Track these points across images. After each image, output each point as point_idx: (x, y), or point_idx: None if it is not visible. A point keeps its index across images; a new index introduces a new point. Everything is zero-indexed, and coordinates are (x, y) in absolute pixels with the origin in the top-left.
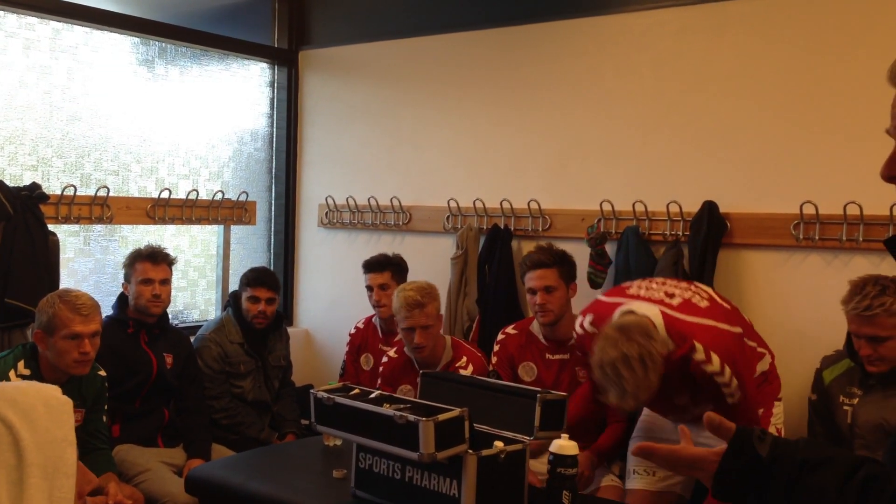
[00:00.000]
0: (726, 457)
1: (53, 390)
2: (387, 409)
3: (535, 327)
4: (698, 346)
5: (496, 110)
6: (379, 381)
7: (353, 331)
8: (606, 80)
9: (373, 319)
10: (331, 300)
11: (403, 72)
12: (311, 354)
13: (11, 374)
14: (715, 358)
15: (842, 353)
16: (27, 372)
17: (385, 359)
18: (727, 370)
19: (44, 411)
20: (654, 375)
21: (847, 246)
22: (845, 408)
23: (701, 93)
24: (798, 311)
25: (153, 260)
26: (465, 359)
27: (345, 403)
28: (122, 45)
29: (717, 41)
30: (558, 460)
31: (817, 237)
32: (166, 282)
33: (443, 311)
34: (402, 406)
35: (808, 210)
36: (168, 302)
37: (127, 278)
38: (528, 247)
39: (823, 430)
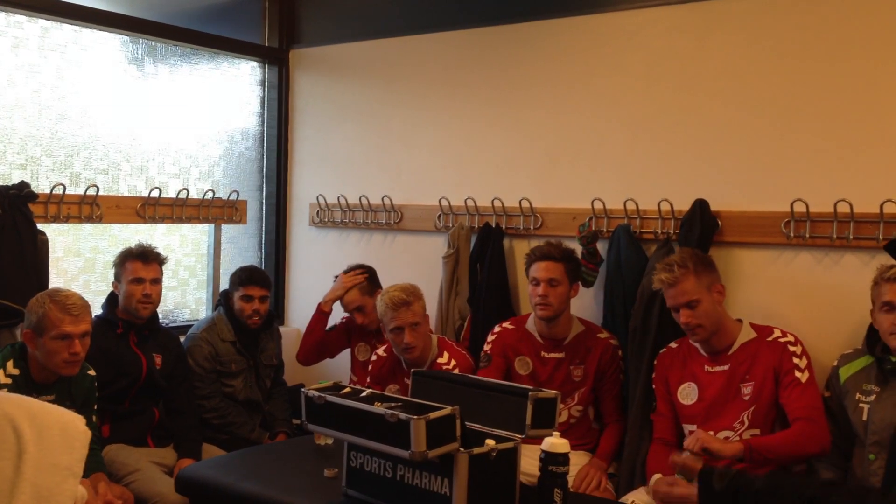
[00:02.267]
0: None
1: (76, 418)
2: (378, 408)
3: (531, 325)
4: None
5: (487, 109)
6: (368, 380)
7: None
8: (597, 78)
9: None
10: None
11: (394, 71)
12: None
13: (0, 373)
14: (791, 336)
15: (860, 350)
16: (16, 372)
17: (374, 357)
18: (801, 347)
19: (58, 434)
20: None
21: (837, 244)
22: (861, 405)
23: (692, 91)
24: (788, 309)
25: (144, 259)
26: (447, 355)
27: (336, 402)
28: (111, 43)
29: (708, 40)
30: (550, 458)
31: (808, 235)
32: (157, 281)
33: (434, 309)
34: (393, 404)
35: (799, 208)
36: (158, 302)
37: (117, 277)
38: (519, 245)
39: (835, 428)
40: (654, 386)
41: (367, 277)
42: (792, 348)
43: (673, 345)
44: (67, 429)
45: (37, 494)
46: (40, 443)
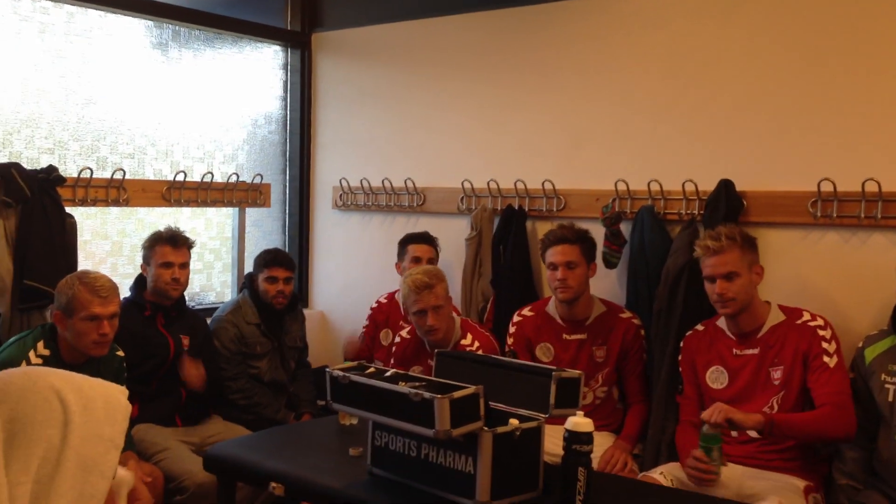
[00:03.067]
0: None
1: (119, 391)
2: (402, 387)
3: (552, 308)
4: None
5: (510, 90)
6: (392, 361)
7: (375, 305)
8: (620, 59)
9: (395, 296)
10: (346, 282)
11: (416, 53)
12: (326, 336)
13: (31, 354)
14: (821, 319)
15: (885, 331)
16: (46, 352)
17: (398, 339)
18: (831, 331)
19: (101, 405)
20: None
21: (865, 223)
22: (887, 386)
23: (715, 71)
24: (815, 290)
25: (174, 244)
26: (470, 336)
27: (360, 382)
28: (135, 28)
29: (731, 19)
30: (573, 437)
31: (835, 215)
32: (185, 265)
33: (458, 291)
34: (417, 384)
35: (826, 187)
36: (186, 285)
37: (146, 261)
38: (542, 227)
39: (860, 409)
40: (680, 368)
41: (434, 254)
42: (822, 332)
43: (699, 327)
44: (110, 401)
45: (81, 464)
46: (85, 414)
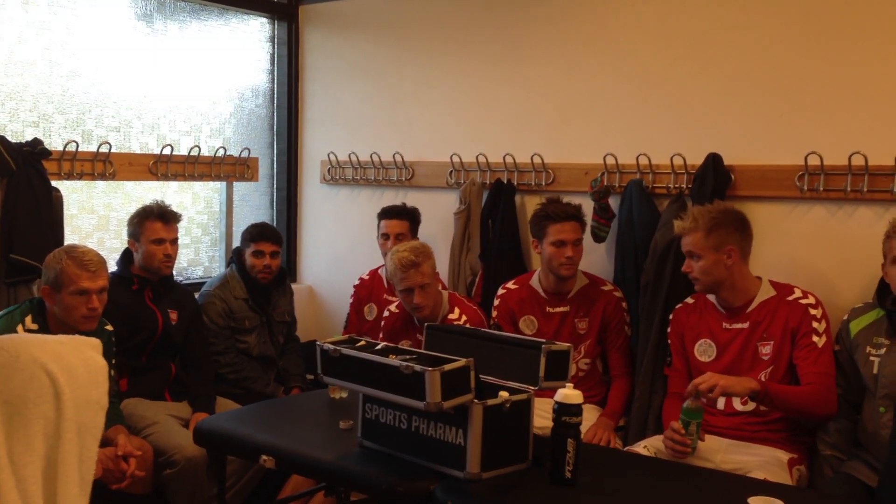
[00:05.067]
0: None
1: (91, 348)
2: (393, 360)
3: (535, 281)
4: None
5: (498, 64)
6: (381, 335)
7: (357, 282)
8: (609, 32)
9: (379, 271)
10: (334, 256)
11: (405, 26)
12: (315, 310)
13: (19, 328)
14: (812, 297)
15: (870, 304)
16: (35, 327)
17: (386, 313)
18: (822, 310)
19: (83, 371)
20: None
21: (851, 196)
22: (871, 358)
23: (704, 45)
24: (801, 263)
25: (164, 220)
26: (457, 310)
27: (351, 355)
28: None
29: None
30: (563, 409)
31: (822, 188)
32: (175, 241)
33: (446, 266)
34: (408, 357)
35: (813, 161)
36: (175, 260)
37: (135, 237)
38: (531, 201)
39: (844, 382)
40: (668, 341)
41: (409, 227)
42: (812, 311)
43: (689, 300)
44: (90, 363)
45: (77, 430)
46: (71, 382)
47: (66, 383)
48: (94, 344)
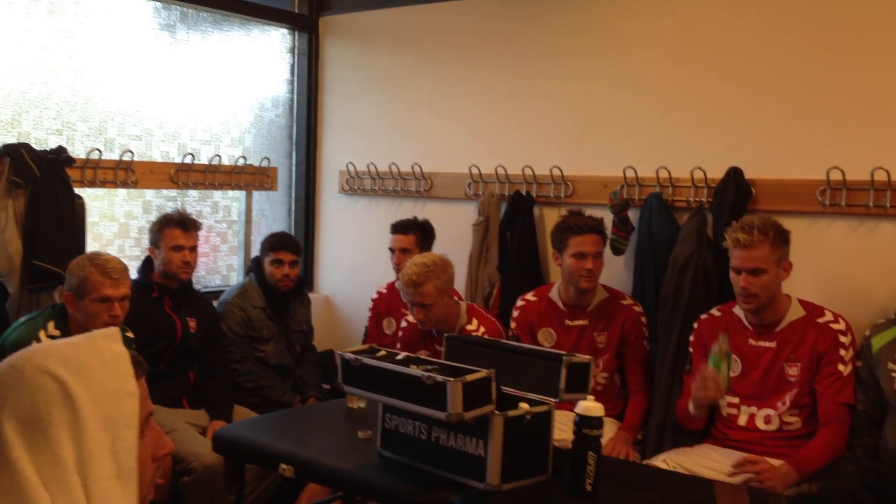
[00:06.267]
0: None
1: (109, 342)
2: (415, 370)
3: (555, 293)
4: (828, 311)
5: (518, 76)
6: (398, 346)
7: (375, 296)
8: (629, 45)
9: (396, 284)
10: (351, 267)
11: (424, 38)
12: (332, 320)
13: (42, 334)
14: (843, 322)
15: (893, 320)
16: (57, 333)
17: (404, 323)
18: (851, 336)
19: (97, 365)
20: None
21: (874, 212)
22: (894, 374)
23: (725, 58)
24: (823, 278)
25: (184, 227)
26: (475, 322)
27: (372, 364)
28: (143, 9)
29: (742, 5)
30: (584, 422)
31: (844, 203)
32: (195, 248)
33: (463, 277)
34: (429, 367)
35: (835, 176)
36: (195, 267)
37: (155, 243)
38: (550, 213)
39: (866, 398)
40: (690, 349)
41: (416, 241)
42: (842, 339)
43: (715, 312)
44: (104, 356)
45: (104, 425)
46: (83, 379)
47: (76, 381)
48: (109, 334)
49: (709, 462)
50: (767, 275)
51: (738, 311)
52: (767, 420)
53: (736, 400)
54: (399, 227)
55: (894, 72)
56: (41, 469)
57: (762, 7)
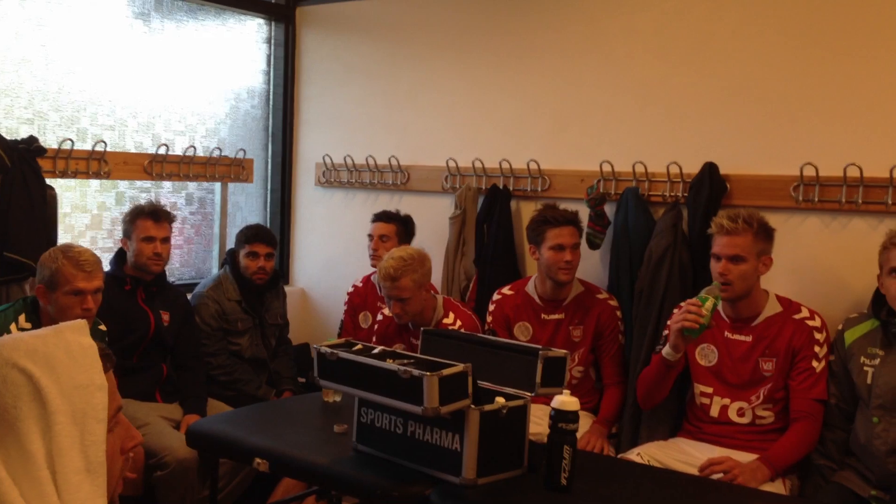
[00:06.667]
0: None
1: (76, 335)
2: (391, 364)
3: (531, 287)
4: (804, 308)
5: (496, 70)
6: (374, 339)
7: (351, 289)
8: (607, 40)
9: (371, 278)
10: (327, 259)
11: (402, 30)
12: (308, 313)
13: (13, 327)
14: (818, 319)
15: (865, 314)
16: (28, 326)
17: (380, 317)
18: (826, 333)
19: (65, 358)
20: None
21: (847, 208)
22: (865, 368)
23: (702, 54)
24: (797, 273)
25: (155, 218)
26: (452, 315)
27: (348, 358)
28: None
29: (719, 2)
30: (559, 416)
31: (817, 199)
32: (167, 240)
33: (440, 270)
34: (405, 361)
35: (809, 172)
36: (168, 260)
37: (127, 235)
38: (526, 207)
39: (838, 391)
40: (665, 331)
41: (396, 231)
42: (817, 335)
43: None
44: (71, 348)
45: (73, 420)
46: (52, 373)
47: (44, 374)
48: (77, 326)
49: (682, 456)
50: (746, 264)
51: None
52: (741, 413)
53: (710, 390)
54: (381, 216)
55: (868, 70)
56: (10, 463)
57: (740, 4)
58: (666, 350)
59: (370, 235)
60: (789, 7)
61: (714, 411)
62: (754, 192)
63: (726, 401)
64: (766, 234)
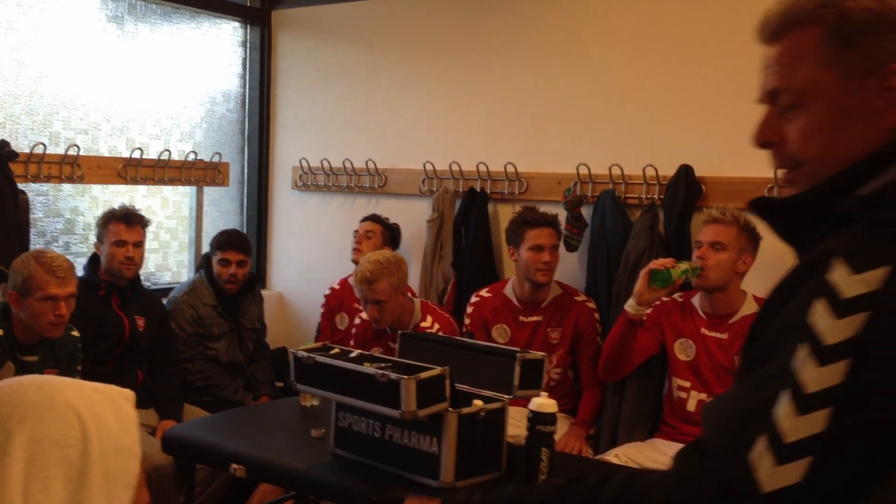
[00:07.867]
0: None
1: (123, 399)
2: (368, 368)
3: (509, 289)
4: None
5: (473, 73)
6: (352, 343)
7: (328, 292)
8: (584, 43)
9: (349, 280)
10: (304, 263)
11: (378, 33)
12: (285, 317)
13: None
14: None
15: None
16: (0, 332)
17: (358, 320)
18: None
19: (112, 419)
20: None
21: None
22: None
23: (678, 57)
24: (772, 274)
25: (127, 221)
26: (430, 318)
27: (325, 362)
28: (90, 0)
29: (695, 6)
30: (537, 418)
31: None
32: (140, 244)
33: (418, 274)
34: (382, 365)
35: (782, 174)
36: (141, 264)
37: (100, 239)
38: (504, 210)
39: None
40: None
41: (381, 231)
42: None
43: (678, 297)
44: (120, 413)
45: (105, 477)
46: (101, 429)
47: (96, 430)
48: (128, 396)
49: (660, 456)
50: (726, 253)
51: (695, 301)
52: None
53: (687, 384)
54: (371, 217)
55: None
56: (28, 489)
57: (715, 8)
58: (629, 302)
59: (356, 232)
60: (764, 11)
61: (691, 406)
62: (729, 193)
63: (703, 395)
64: (750, 234)
